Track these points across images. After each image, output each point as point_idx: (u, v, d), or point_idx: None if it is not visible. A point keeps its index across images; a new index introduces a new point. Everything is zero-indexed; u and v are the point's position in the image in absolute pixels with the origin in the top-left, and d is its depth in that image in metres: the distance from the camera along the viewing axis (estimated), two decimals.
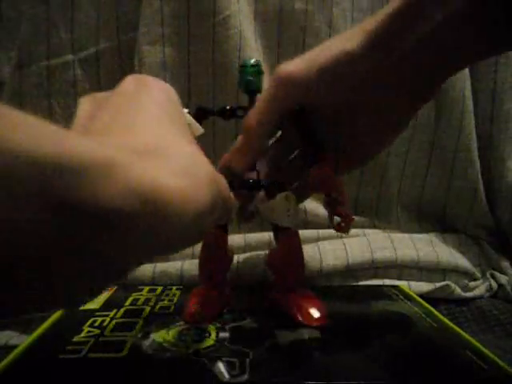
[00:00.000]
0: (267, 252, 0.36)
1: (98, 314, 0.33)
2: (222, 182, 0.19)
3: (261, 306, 0.34)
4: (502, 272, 0.49)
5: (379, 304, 0.36)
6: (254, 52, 0.45)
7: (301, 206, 0.46)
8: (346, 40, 0.28)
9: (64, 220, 0.11)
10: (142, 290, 0.39)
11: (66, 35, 0.46)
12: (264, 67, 0.45)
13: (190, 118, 0.29)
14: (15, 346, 0.27)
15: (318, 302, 0.32)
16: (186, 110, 0.24)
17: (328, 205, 0.32)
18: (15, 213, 0.10)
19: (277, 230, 0.34)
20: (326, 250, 0.43)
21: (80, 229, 0.11)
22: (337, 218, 0.32)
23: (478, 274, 0.48)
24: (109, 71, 0.46)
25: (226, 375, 0.24)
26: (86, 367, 0.25)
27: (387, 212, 0.51)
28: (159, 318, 0.32)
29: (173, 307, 0.34)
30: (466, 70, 0.48)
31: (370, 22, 0.27)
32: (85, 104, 0.20)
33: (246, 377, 0.23)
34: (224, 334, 0.29)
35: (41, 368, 0.25)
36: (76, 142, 0.12)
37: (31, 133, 0.10)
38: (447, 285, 0.44)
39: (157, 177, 0.14)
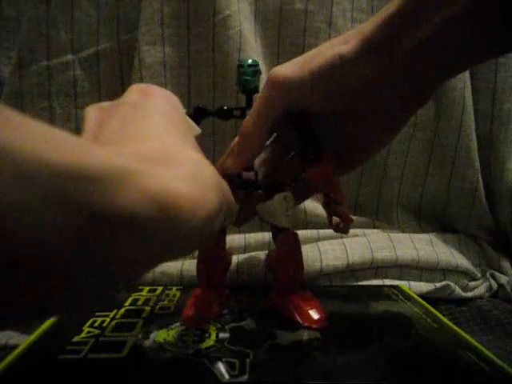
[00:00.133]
0: (267, 252, 0.36)
1: (98, 314, 0.32)
2: (226, 185, 0.20)
3: (261, 307, 0.34)
4: (502, 272, 0.49)
5: (379, 304, 0.36)
6: (253, 52, 0.45)
7: (301, 206, 0.46)
8: (341, 43, 0.28)
9: (86, 225, 0.12)
10: (142, 290, 0.39)
11: (65, 35, 0.46)
12: (264, 67, 0.45)
13: (187, 118, 0.29)
14: (15, 346, 0.27)
15: (317, 303, 0.32)
16: (184, 111, 0.24)
17: (327, 205, 0.32)
18: (40, 219, 0.10)
19: (275, 230, 0.34)
20: (326, 250, 0.43)
21: (100, 234, 0.12)
22: (336, 219, 0.32)
23: (478, 274, 0.48)
24: (109, 71, 0.47)
25: (226, 375, 0.24)
26: (86, 367, 0.25)
27: (387, 212, 0.51)
28: (159, 319, 0.32)
29: (173, 307, 0.34)
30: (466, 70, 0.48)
31: (367, 25, 0.27)
32: (92, 113, 0.21)
33: (246, 377, 0.23)
34: (224, 335, 0.29)
35: (41, 368, 0.25)
36: (95, 151, 0.12)
37: (54, 143, 0.11)
38: (447, 285, 0.44)
39: (168, 183, 0.14)
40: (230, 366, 0.24)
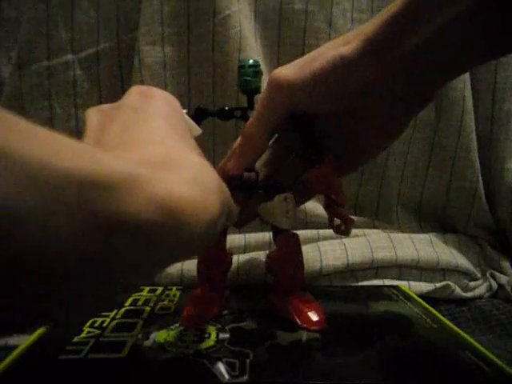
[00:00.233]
0: (267, 253, 0.36)
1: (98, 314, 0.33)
2: (226, 188, 0.20)
3: (261, 307, 0.34)
4: (502, 272, 0.49)
5: (379, 304, 0.36)
6: (253, 52, 0.45)
7: (301, 206, 0.46)
8: (342, 44, 0.28)
9: (90, 232, 0.12)
10: (142, 290, 0.39)
11: (66, 35, 0.46)
12: (264, 67, 0.45)
13: (188, 118, 0.29)
14: (15, 346, 0.27)
15: (316, 305, 0.32)
16: (184, 111, 0.24)
17: (328, 207, 0.32)
18: (44, 224, 0.10)
19: (276, 231, 0.34)
20: (326, 250, 0.43)
21: (104, 240, 0.12)
22: (337, 220, 0.32)
23: (478, 274, 0.48)
24: (109, 71, 0.47)
25: (226, 376, 0.24)
26: (86, 368, 0.25)
27: (387, 212, 0.51)
28: (159, 319, 0.32)
29: (173, 307, 0.34)
30: None
31: (368, 26, 0.27)
32: (92, 116, 0.21)
33: (246, 377, 0.23)
34: (224, 335, 0.29)
35: (41, 368, 0.25)
36: (100, 157, 0.13)
37: (59, 149, 0.11)
38: (447, 285, 0.44)
39: (172, 187, 0.14)
40: (230, 367, 0.24)
